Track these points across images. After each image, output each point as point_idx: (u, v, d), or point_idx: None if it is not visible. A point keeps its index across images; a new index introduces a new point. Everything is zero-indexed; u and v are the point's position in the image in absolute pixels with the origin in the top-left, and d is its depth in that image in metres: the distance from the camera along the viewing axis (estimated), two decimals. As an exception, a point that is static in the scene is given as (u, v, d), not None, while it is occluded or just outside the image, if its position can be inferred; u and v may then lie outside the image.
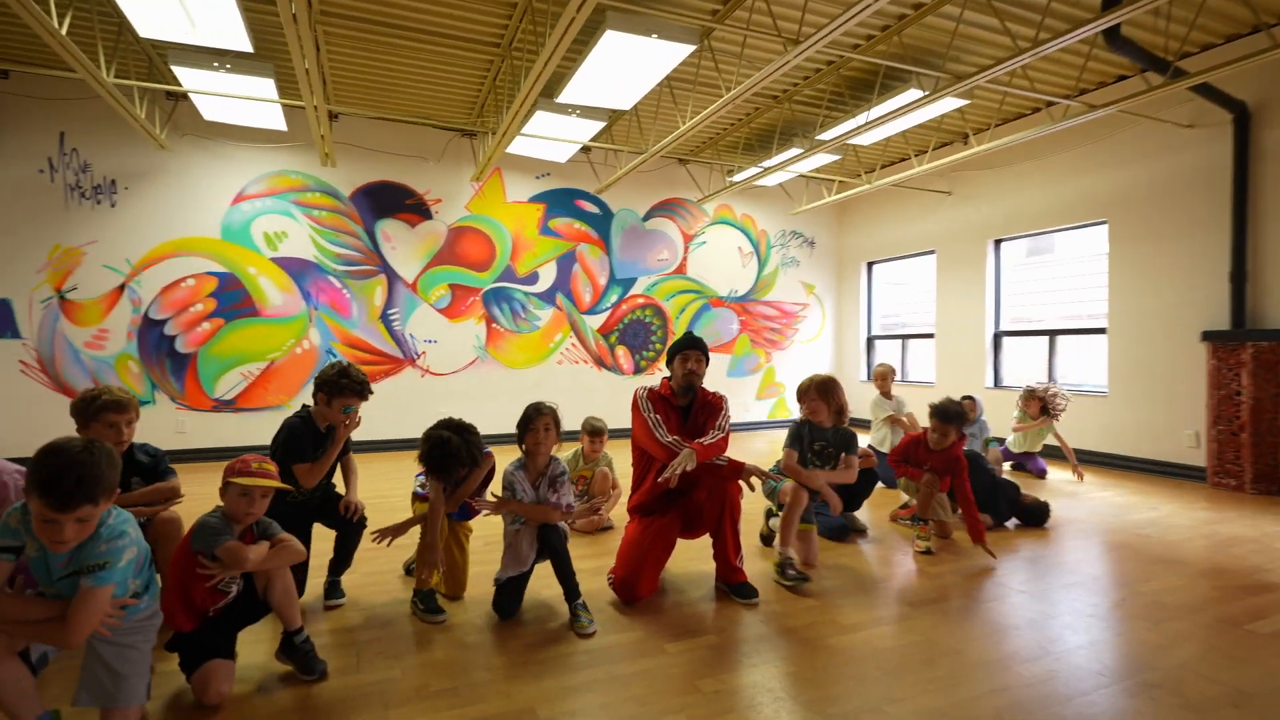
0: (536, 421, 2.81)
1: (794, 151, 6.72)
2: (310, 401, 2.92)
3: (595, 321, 8.28)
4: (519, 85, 5.99)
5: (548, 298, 8.02)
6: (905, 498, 4.31)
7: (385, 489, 5.11)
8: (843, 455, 3.31)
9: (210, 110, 5.81)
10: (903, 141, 7.13)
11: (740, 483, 3.02)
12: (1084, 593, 3.06)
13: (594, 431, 4.26)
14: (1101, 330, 6.46)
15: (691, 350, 3.23)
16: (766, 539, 3.82)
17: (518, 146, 6.84)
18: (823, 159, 7.20)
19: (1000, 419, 6.43)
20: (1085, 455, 6.30)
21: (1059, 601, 2.95)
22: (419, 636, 2.59)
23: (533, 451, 2.83)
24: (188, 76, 5.08)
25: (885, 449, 5.50)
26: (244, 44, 4.55)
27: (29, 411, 5.99)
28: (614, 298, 8.37)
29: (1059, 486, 5.46)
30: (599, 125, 6.14)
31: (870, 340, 9.55)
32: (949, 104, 5.57)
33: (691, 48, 4.49)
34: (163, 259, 6.44)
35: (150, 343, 6.41)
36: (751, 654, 2.43)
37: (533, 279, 7.94)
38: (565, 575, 2.72)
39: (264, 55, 5.20)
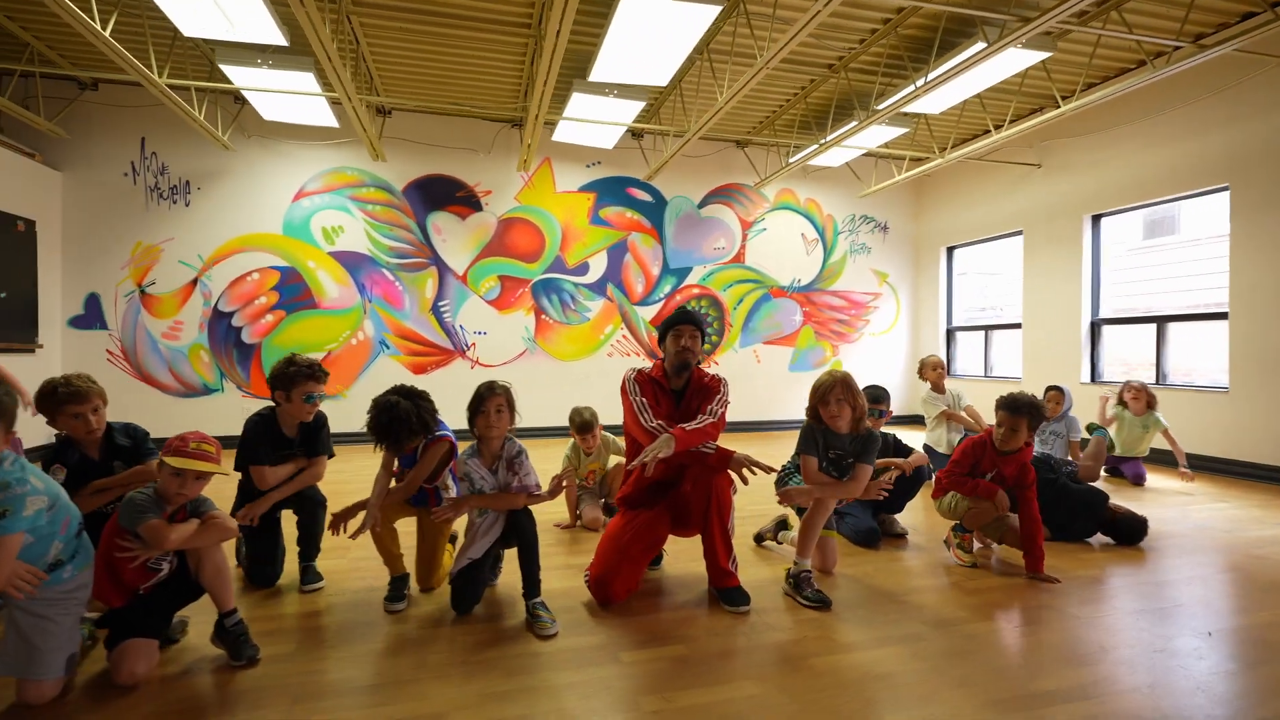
0: (487, 403, 2.58)
1: (852, 125, 6.18)
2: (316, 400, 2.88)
3: (648, 313, 8.04)
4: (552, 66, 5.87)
5: (598, 288, 7.86)
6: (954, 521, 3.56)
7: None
8: (857, 465, 2.85)
9: (268, 110, 6.05)
10: (980, 109, 6.40)
11: (732, 475, 2.68)
12: (1161, 621, 2.49)
13: (583, 427, 3.94)
14: (1222, 315, 5.51)
15: (685, 325, 2.91)
16: (759, 538, 3.45)
17: (564, 134, 6.72)
18: (888, 133, 6.60)
19: (1094, 417, 5.63)
20: (1199, 461, 5.40)
21: (1123, 630, 2.41)
22: (369, 627, 2.44)
23: (485, 436, 2.61)
24: (238, 75, 5.29)
25: (944, 449, 4.94)
26: (277, 37, 4.66)
27: (116, 400, 6.40)
28: (667, 288, 8.09)
29: (1162, 495, 4.67)
30: (639, 105, 5.90)
31: (950, 332, 8.74)
32: (1027, 58, 4.91)
33: (716, 9, 4.16)
34: (231, 254, 6.80)
35: (219, 334, 6.78)
36: (716, 670, 2.11)
37: (583, 269, 7.80)
38: (529, 568, 2.50)
39: (303, 49, 5.31)
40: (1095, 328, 6.72)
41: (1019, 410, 3.08)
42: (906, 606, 2.63)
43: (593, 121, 6.23)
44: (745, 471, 2.66)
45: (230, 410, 6.70)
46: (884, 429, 3.82)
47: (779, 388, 8.45)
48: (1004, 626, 2.44)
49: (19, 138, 6.09)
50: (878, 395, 3.69)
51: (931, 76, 5.03)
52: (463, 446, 2.73)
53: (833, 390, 2.79)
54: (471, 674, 2.07)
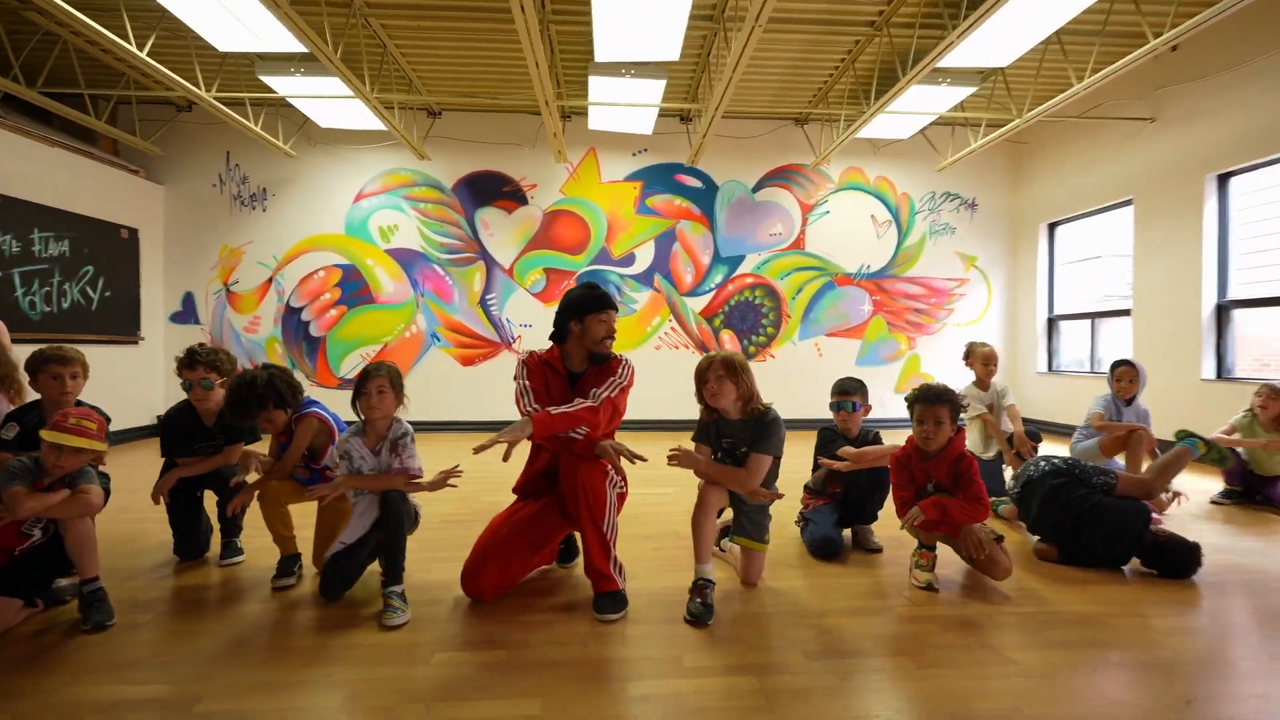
0: (368, 384, 2.51)
1: (901, 84, 5.50)
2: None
3: (697, 304, 7.71)
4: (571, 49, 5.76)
5: (645, 279, 7.65)
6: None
7: (478, 469, 5.16)
8: (751, 454, 2.47)
9: (323, 118, 6.48)
10: (1060, 57, 5.44)
11: (611, 467, 2.41)
12: (1132, 680, 1.90)
13: None
14: (1388, 292, 4.27)
15: (612, 310, 2.65)
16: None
17: (599, 122, 6.59)
18: (956, 93, 5.81)
19: (1216, 422, 4.60)
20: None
21: (1066, 686, 1.86)
22: (225, 606, 2.45)
23: (368, 417, 2.54)
24: (279, 84, 5.69)
25: (980, 454, 4.24)
26: (298, 46, 4.93)
27: (206, 384, 7.24)
28: (719, 278, 7.72)
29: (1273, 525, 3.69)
30: (660, 83, 5.63)
31: (1052, 322, 7.58)
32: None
33: (692, -34, 3.83)
34: (300, 254, 7.37)
35: (291, 327, 7.38)
36: (515, 682, 1.87)
37: (629, 260, 7.63)
38: (391, 553, 2.40)
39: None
40: (1222, 311, 5.50)
41: (937, 398, 2.56)
42: (807, 631, 2.22)
43: (613, 104, 6.04)
44: (624, 462, 2.40)
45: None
46: (870, 427, 3.36)
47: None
48: (904, 666, 1.98)
49: (128, 156, 6.99)
50: (846, 387, 3.23)
51: (976, 16, 4.31)
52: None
53: (710, 367, 2.44)
54: (275, 659, 2.00)
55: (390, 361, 2.67)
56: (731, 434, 2.50)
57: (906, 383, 7.91)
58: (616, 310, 2.74)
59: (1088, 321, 7.14)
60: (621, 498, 2.69)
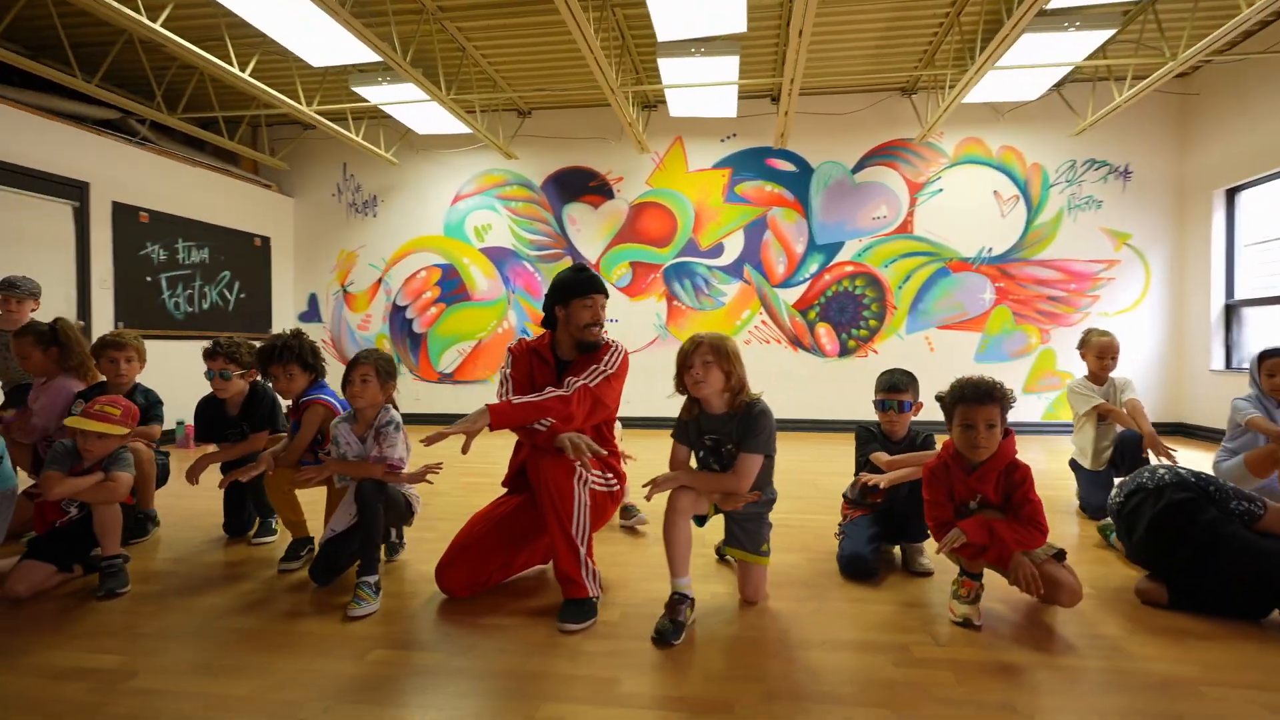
0: (352, 373, 2.50)
1: (1005, 30, 4.74)
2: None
3: (790, 295, 7.23)
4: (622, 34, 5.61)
5: (734, 271, 7.30)
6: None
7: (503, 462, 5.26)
8: (740, 454, 2.13)
9: (419, 125, 6.82)
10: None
11: (579, 464, 2.21)
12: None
13: None
14: None
15: (598, 295, 2.48)
16: (719, 551, 2.77)
17: (682, 108, 6.38)
18: (1089, 39, 4.92)
19: None
20: None
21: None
22: (225, 584, 2.56)
23: (354, 405, 2.54)
24: (371, 94, 6.05)
25: (1088, 463, 3.54)
26: (371, 56, 5.18)
27: (338, 378, 7.92)
28: (814, 267, 7.18)
29: None
30: (732, 59, 5.30)
31: (1231, 309, 6.23)
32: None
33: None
34: (405, 256, 7.84)
35: (397, 325, 7.87)
36: (419, 689, 1.74)
37: (717, 251, 7.31)
38: (365, 542, 2.37)
39: (416, 63, 5.84)
40: None
41: (987, 396, 2.07)
42: (786, 664, 1.88)
43: (686, 86, 5.78)
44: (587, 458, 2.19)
45: (405, 393, 7.72)
46: (921, 429, 2.89)
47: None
48: (879, 714, 1.60)
49: (265, 173, 7.82)
50: (895, 383, 2.79)
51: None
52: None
53: (696, 350, 2.13)
54: (229, 641, 2.04)
55: (382, 350, 2.65)
56: (715, 430, 2.20)
57: (1038, 381, 6.89)
58: (606, 295, 2.55)
59: (1276, 308, 5.78)
60: (613, 497, 2.48)
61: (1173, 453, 3.24)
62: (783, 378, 7.20)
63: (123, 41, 5.32)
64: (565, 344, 2.53)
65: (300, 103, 5.84)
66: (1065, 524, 3.38)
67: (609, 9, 5.18)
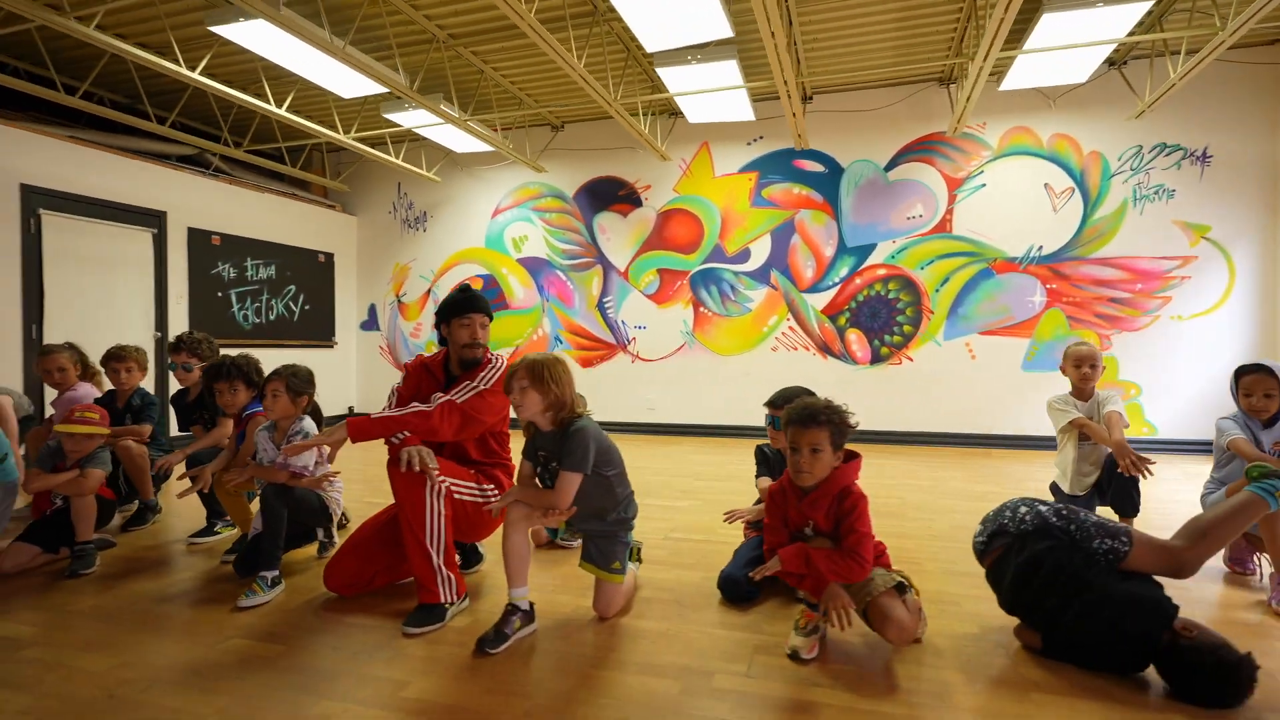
0: (265, 388, 2.77)
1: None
2: None
3: (819, 300, 6.98)
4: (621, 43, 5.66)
5: (760, 276, 7.15)
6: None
7: None
8: (560, 472, 2.15)
9: (455, 144, 7.25)
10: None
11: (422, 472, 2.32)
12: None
13: None
14: None
15: (476, 314, 2.64)
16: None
17: (700, 114, 6.36)
18: (1129, 11, 4.41)
19: None
20: None
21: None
22: (172, 570, 2.89)
23: (269, 417, 2.80)
24: (403, 119, 6.49)
25: (1066, 485, 3.24)
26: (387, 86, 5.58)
27: (385, 382, 8.57)
28: (844, 270, 6.89)
29: None
30: (729, 63, 5.23)
31: (1333, 310, 5.35)
32: None
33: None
34: (451, 267, 8.32)
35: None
36: (234, 675, 1.92)
37: (743, 256, 7.20)
38: (266, 539, 2.61)
39: (429, 87, 6.21)
40: None
41: (811, 419, 1.96)
42: (568, 684, 1.90)
43: (698, 92, 5.75)
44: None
45: (448, 395, 8.19)
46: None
47: (1005, 392, 6.39)
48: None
49: (333, 196, 8.58)
50: (787, 396, 2.68)
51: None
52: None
53: (514, 376, 2.18)
54: (128, 622, 2.33)
55: (300, 366, 2.89)
56: (545, 447, 2.24)
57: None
58: (488, 315, 2.68)
59: (1391, 309, 4.89)
60: (473, 506, 2.55)
61: (1149, 465, 2.90)
62: (809, 386, 6.93)
63: (191, 89, 6.07)
64: (455, 360, 2.67)
65: (339, 131, 6.39)
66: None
67: (602, 23, 5.28)
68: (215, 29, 4.53)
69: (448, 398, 2.45)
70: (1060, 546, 2.01)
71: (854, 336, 6.89)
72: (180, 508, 3.90)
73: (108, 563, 2.98)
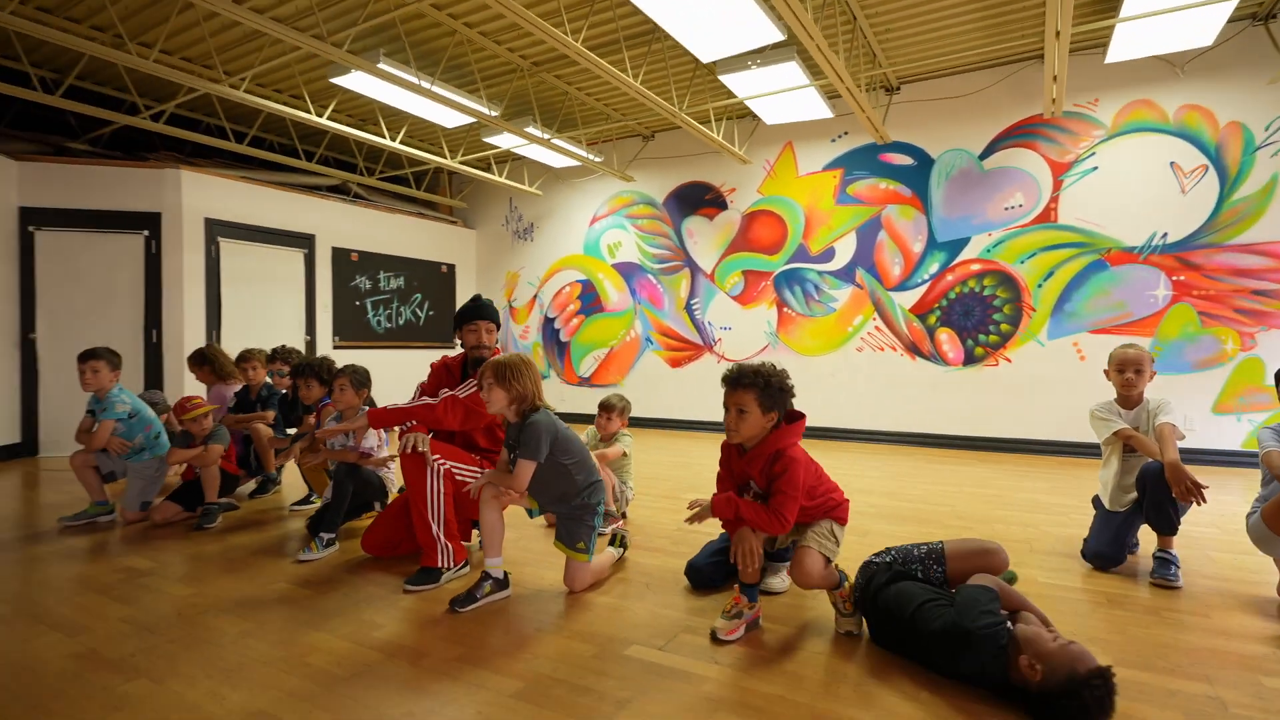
0: (333, 383, 3.36)
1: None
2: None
3: (907, 299, 6.69)
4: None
5: (845, 275, 6.99)
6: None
7: (684, 460, 5.86)
8: (517, 458, 2.45)
9: (551, 160, 7.85)
10: None
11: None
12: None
13: (604, 406, 3.98)
14: None
15: (479, 321, 3.06)
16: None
17: (774, 115, 6.38)
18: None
19: None
20: None
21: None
22: (253, 527, 3.59)
23: (336, 408, 3.40)
24: (500, 141, 7.16)
25: (1107, 501, 3.00)
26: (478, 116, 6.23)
27: (498, 379, 9.43)
28: (934, 267, 6.55)
29: None
30: (789, 65, 5.25)
31: None
32: None
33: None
34: (554, 274, 8.97)
35: (548, 335, 9.03)
36: (252, 608, 2.45)
37: (828, 255, 7.08)
38: (331, 507, 3.19)
39: (518, 112, 6.79)
40: None
41: (730, 381, 2.17)
42: (498, 638, 2.21)
43: (759, 96, 5.81)
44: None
45: (552, 394, 8.85)
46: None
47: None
48: (400, 672, 1.88)
49: (458, 214, 9.59)
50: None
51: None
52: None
53: (482, 375, 2.51)
54: (212, 561, 2.99)
55: (360, 366, 3.46)
56: (511, 437, 2.57)
57: (1235, 398, 5.41)
58: (492, 321, 3.06)
59: None
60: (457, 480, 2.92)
61: (1204, 489, 2.61)
62: (897, 388, 6.70)
63: (330, 135, 7.16)
64: (471, 361, 3.10)
65: (446, 157, 7.20)
66: (1065, 564, 2.91)
67: (663, 39, 5.51)
68: (334, 80, 5.37)
69: (452, 393, 2.87)
70: (902, 577, 2.13)
71: (945, 336, 6.53)
72: (293, 481, 4.73)
73: (229, 521, 3.76)
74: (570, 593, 2.63)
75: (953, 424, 6.42)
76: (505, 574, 2.59)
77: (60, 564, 2.99)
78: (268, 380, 4.54)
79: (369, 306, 8.21)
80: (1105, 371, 3.13)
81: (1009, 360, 6.23)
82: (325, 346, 7.64)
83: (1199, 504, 2.58)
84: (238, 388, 4.58)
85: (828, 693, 1.85)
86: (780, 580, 2.65)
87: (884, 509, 3.99)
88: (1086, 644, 2.03)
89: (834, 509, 2.29)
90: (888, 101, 6.67)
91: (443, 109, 5.86)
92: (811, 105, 6.10)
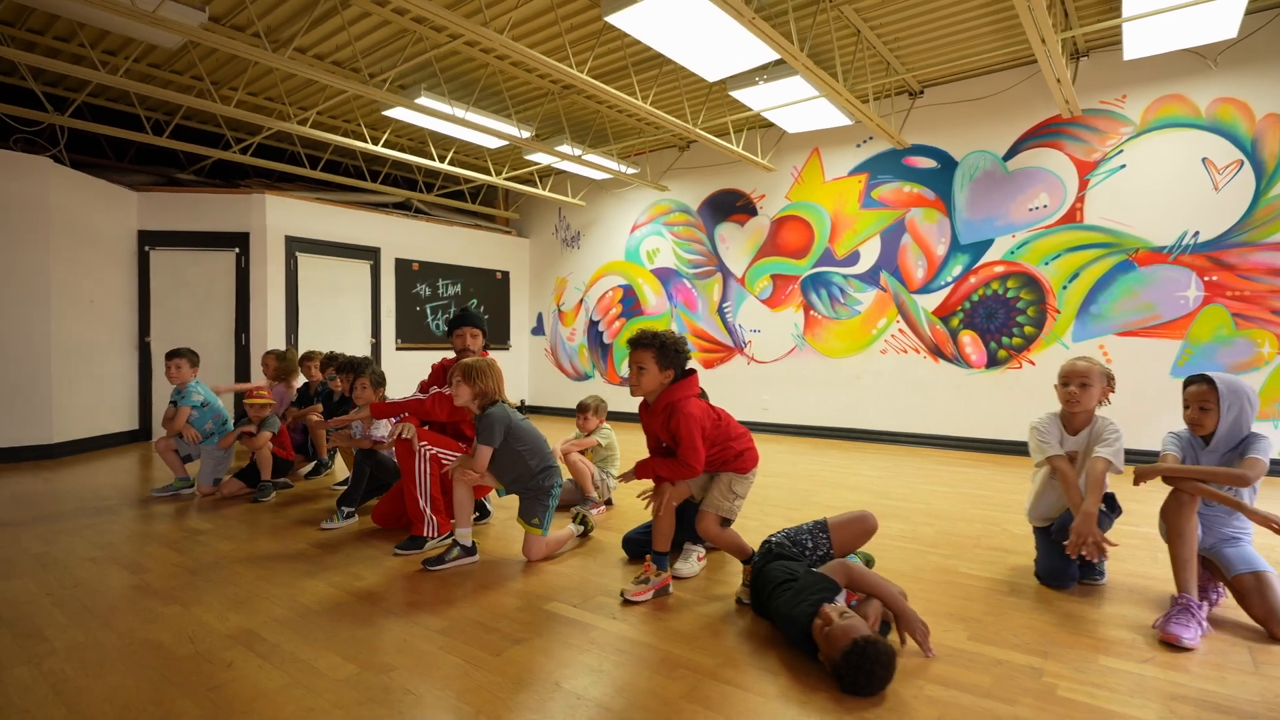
0: (355, 382, 3.96)
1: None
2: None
3: (930, 301, 6.71)
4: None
5: (870, 278, 7.08)
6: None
7: None
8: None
9: (588, 172, 8.36)
10: None
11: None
12: None
13: (581, 408, 4.37)
14: None
15: (465, 327, 3.57)
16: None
17: (794, 125, 6.62)
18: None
19: None
20: None
21: None
22: (296, 502, 4.25)
23: (357, 403, 4.00)
24: (540, 158, 7.74)
25: (1027, 513, 3.03)
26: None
27: (551, 379, 10.05)
28: (957, 269, 6.55)
29: None
30: (794, 79, 5.49)
31: None
32: None
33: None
34: (598, 279, 9.48)
35: (592, 337, 9.55)
36: (270, 560, 3.04)
37: (853, 259, 7.19)
38: (351, 486, 3.80)
39: (548, 133, 7.31)
40: None
41: (636, 342, 2.57)
42: (445, 591, 2.68)
43: (772, 108, 6.06)
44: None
45: (599, 389, 9.36)
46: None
47: (1148, 401, 5.57)
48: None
49: (514, 224, 10.30)
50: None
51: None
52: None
53: (452, 373, 2.99)
54: (263, 530, 3.65)
55: (378, 367, 4.05)
56: (476, 426, 3.04)
57: (1273, 404, 5.15)
58: (477, 327, 3.56)
59: None
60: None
61: (1106, 548, 2.40)
62: (920, 390, 6.74)
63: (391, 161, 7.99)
64: (459, 362, 3.61)
65: (491, 174, 7.85)
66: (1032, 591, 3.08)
67: (670, 61, 5.85)
68: (386, 113, 6.08)
69: (441, 389, 3.38)
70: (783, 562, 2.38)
71: (968, 339, 6.51)
72: (342, 465, 5.44)
73: (283, 496, 4.46)
74: (527, 561, 3.07)
75: (978, 427, 6.39)
76: (473, 543, 3.07)
77: (143, 524, 3.74)
78: (323, 379, 5.26)
79: (429, 312, 9.01)
80: (1059, 381, 2.86)
81: (1033, 363, 6.14)
82: (389, 348, 8.48)
83: (1095, 561, 2.53)
84: (294, 393, 5.34)
85: (693, 645, 2.20)
86: (689, 566, 2.93)
87: (894, 509, 4.19)
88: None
89: (734, 459, 2.58)
90: (909, 106, 6.72)
91: (479, 134, 6.47)
92: (830, 114, 6.27)
